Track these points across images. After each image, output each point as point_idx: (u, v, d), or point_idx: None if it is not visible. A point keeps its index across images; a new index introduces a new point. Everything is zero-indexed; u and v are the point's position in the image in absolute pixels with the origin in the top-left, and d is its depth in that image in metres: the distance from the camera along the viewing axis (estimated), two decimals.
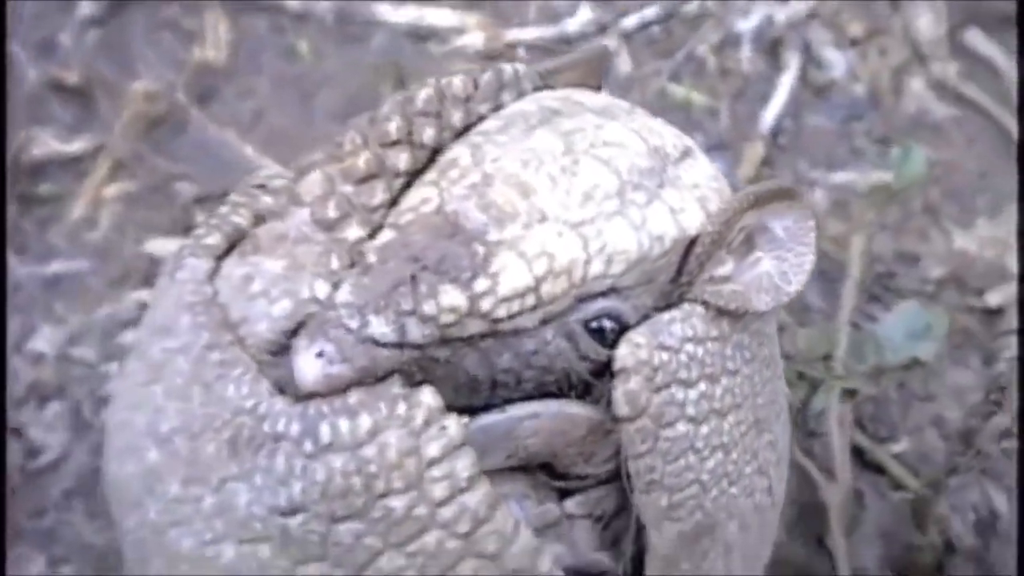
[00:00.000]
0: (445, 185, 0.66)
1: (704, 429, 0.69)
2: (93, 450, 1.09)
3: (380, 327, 0.62)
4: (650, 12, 1.48)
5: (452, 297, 0.63)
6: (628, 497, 0.71)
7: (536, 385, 0.68)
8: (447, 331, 0.63)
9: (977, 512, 1.13)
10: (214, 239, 0.70)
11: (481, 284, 0.63)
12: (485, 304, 0.63)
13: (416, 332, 0.62)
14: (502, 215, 0.64)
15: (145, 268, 1.20)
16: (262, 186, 0.73)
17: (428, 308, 0.62)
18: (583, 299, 0.66)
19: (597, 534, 0.72)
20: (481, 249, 0.63)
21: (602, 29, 1.45)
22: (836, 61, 1.48)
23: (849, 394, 1.09)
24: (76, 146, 1.26)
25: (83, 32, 1.32)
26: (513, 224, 0.64)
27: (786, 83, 1.46)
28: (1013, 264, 1.31)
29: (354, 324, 0.62)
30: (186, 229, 1.22)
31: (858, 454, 1.16)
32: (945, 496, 1.05)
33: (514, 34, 1.43)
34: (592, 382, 0.68)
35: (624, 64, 1.45)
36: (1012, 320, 1.26)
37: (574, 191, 0.66)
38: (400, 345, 0.62)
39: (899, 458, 1.18)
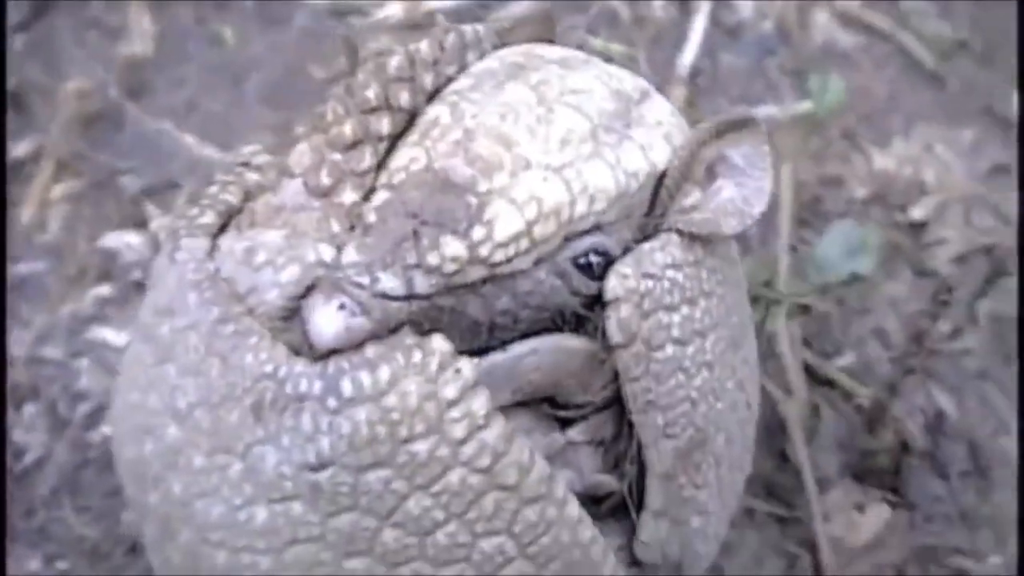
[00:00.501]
0: (430, 144, 0.69)
1: (690, 349, 0.74)
2: (73, 446, 1.10)
3: (390, 281, 0.65)
4: None
5: (453, 247, 0.66)
6: (625, 421, 0.76)
7: (532, 323, 0.72)
8: (451, 280, 0.67)
9: (925, 414, 1.20)
10: (208, 218, 0.73)
11: (478, 232, 0.67)
12: (484, 251, 0.67)
13: (423, 283, 0.66)
14: (488, 166, 0.68)
15: (101, 263, 1.20)
16: (246, 164, 0.75)
17: (432, 259, 0.66)
18: (570, 238, 0.70)
19: (599, 458, 0.77)
20: (474, 200, 0.67)
21: None
22: (743, 2, 1.54)
23: (801, 310, 1.15)
24: (18, 151, 1.26)
25: (11, 37, 1.32)
26: (500, 174, 0.68)
27: (698, 27, 1.51)
28: (930, 178, 1.39)
29: (365, 281, 0.65)
30: (136, 222, 1.24)
31: (809, 370, 1.22)
32: (898, 400, 1.11)
33: (432, 3, 1.46)
34: (585, 315, 0.73)
35: None
36: (937, 231, 1.34)
37: (552, 138, 0.70)
38: (409, 297, 0.66)
39: (846, 371, 1.25)
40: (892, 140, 1.42)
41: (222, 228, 0.73)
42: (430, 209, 0.67)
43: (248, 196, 0.74)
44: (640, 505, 0.77)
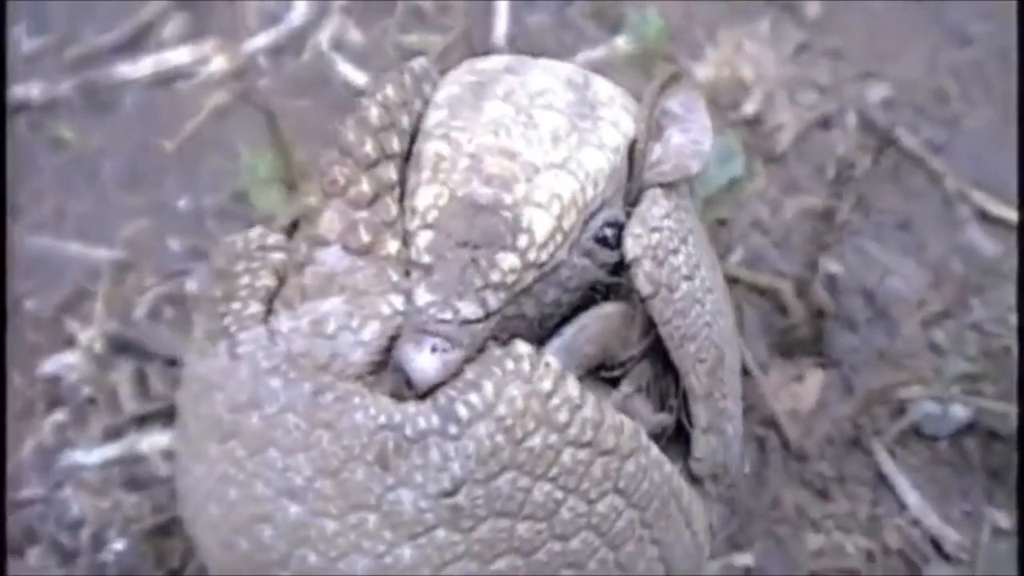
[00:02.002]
0: (444, 178, 0.75)
1: (696, 282, 0.83)
2: (91, 570, 1.10)
3: (468, 308, 0.72)
4: None
5: (509, 260, 0.73)
6: (658, 362, 0.84)
7: (571, 305, 0.80)
8: (512, 289, 0.74)
9: (821, 280, 1.34)
10: (254, 308, 0.76)
11: (523, 240, 0.74)
12: (532, 255, 0.74)
13: (494, 300, 0.73)
14: (505, 181, 0.75)
15: (46, 392, 1.20)
16: (262, 248, 0.79)
17: (495, 276, 0.72)
18: (587, 220, 0.78)
19: (649, 402, 0.85)
20: (507, 214, 0.74)
21: (323, 11, 1.53)
22: None
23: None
24: None
25: None
26: (518, 185, 0.75)
27: None
28: (748, 73, 1.53)
29: (448, 315, 0.71)
30: (64, 341, 1.23)
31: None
32: (816, 278, 1.24)
33: (250, 45, 1.48)
34: (612, 281, 0.81)
35: (355, 36, 1.53)
36: (772, 120, 1.48)
37: (544, 139, 0.77)
38: (487, 316, 0.72)
39: (743, 264, 1.38)
40: (703, 51, 1.56)
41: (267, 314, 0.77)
42: (475, 234, 0.73)
43: (279, 276, 0.78)
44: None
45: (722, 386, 0.88)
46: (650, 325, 0.82)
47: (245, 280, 0.78)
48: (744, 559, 1.16)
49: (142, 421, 1.18)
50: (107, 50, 1.46)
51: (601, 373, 0.82)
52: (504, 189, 0.74)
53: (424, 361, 0.70)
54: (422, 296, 0.72)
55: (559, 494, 0.75)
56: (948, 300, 1.36)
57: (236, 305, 0.77)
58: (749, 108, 1.49)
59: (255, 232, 0.81)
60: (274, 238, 0.80)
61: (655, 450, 0.80)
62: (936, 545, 1.21)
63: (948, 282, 1.39)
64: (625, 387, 0.83)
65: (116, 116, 1.42)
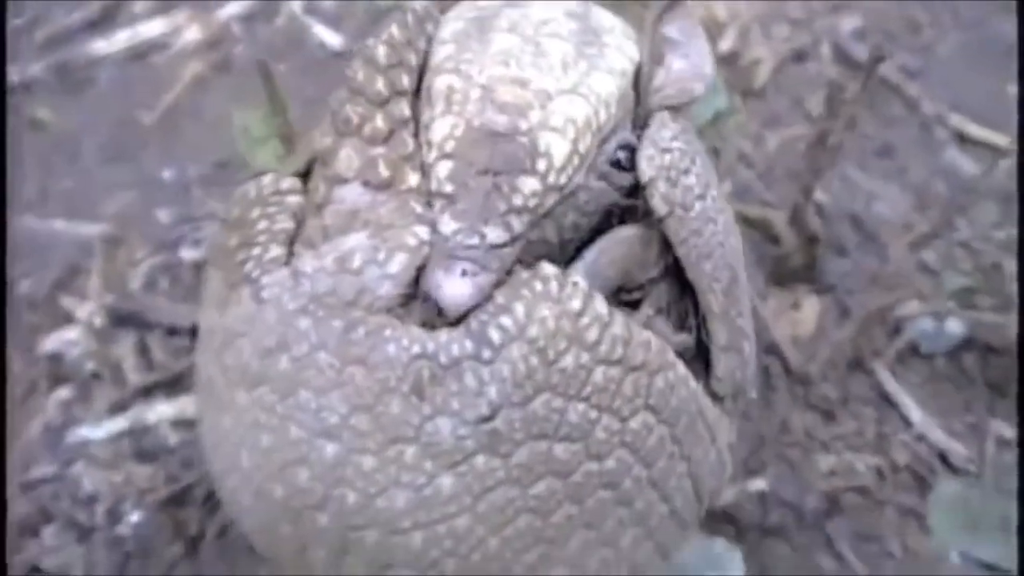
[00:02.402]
0: (458, 109, 0.75)
1: (708, 201, 0.84)
2: (109, 546, 1.09)
3: (494, 233, 0.72)
4: None
5: (530, 184, 0.73)
6: (675, 284, 0.85)
7: (588, 230, 0.80)
8: (535, 213, 0.74)
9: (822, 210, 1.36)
10: (275, 252, 0.76)
11: (542, 164, 0.74)
12: (552, 178, 0.74)
13: (519, 224, 0.73)
14: (520, 108, 0.75)
15: (48, 370, 1.18)
16: (277, 192, 0.79)
17: (518, 200, 0.73)
18: (601, 143, 0.78)
19: (669, 323, 0.86)
20: (525, 139, 0.74)
21: None
22: None
23: None
24: None
25: None
26: (532, 111, 0.75)
27: None
28: (721, 12, 1.54)
29: (475, 241, 0.71)
30: (63, 318, 1.21)
31: None
32: (809, 205, 1.25)
33: (223, 12, 1.47)
34: (628, 204, 0.81)
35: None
36: (748, 55, 1.49)
37: (554, 67, 0.77)
38: (513, 240, 0.73)
39: (732, 196, 1.39)
40: None
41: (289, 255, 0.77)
42: (496, 160, 0.73)
43: (297, 219, 0.77)
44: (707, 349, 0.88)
45: (738, 304, 0.88)
46: (666, 246, 0.82)
47: (263, 225, 0.77)
48: (758, 484, 1.17)
49: (147, 392, 1.18)
50: (79, 28, 1.45)
51: (621, 296, 0.83)
52: (519, 116, 0.74)
53: (455, 286, 0.71)
54: (447, 224, 0.72)
55: (593, 413, 0.75)
56: (934, 221, 1.38)
57: (256, 251, 0.77)
58: (724, 45, 1.50)
59: (268, 178, 0.81)
60: (288, 182, 0.79)
61: (681, 367, 0.80)
62: (943, 459, 1.23)
63: (932, 204, 1.42)
64: (646, 309, 0.84)
65: (93, 93, 1.41)
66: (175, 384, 1.18)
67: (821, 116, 1.11)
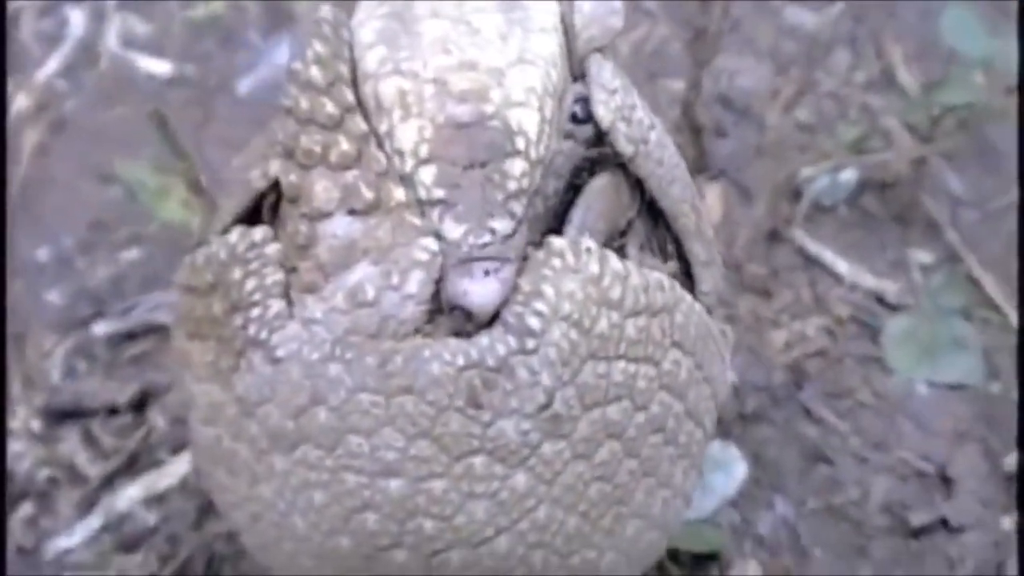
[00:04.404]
0: (417, 111, 0.72)
1: (657, 129, 0.84)
2: None
3: (501, 223, 0.70)
4: None
5: (518, 165, 0.72)
6: (647, 217, 0.86)
7: (566, 191, 0.79)
8: (528, 192, 0.73)
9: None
10: (276, 307, 0.72)
11: (520, 141, 0.72)
12: (533, 152, 0.73)
13: (519, 208, 0.71)
14: (478, 92, 0.73)
15: None
16: (252, 245, 0.75)
17: (513, 186, 0.71)
18: (559, 103, 0.77)
19: (654, 255, 0.87)
20: (496, 123, 0.72)
21: (100, 14, 1.43)
22: None
23: None
24: None
25: None
26: (491, 92, 0.73)
27: None
28: None
29: (487, 238, 0.70)
30: None
31: None
32: (699, 98, 1.27)
33: (44, 72, 1.38)
34: (595, 155, 0.81)
35: (142, 27, 1.45)
36: None
37: (492, 41, 0.75)
38: (519, 225, 0.71)
39: None
40: None
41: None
42: (477, 152, 0.71)
43: (284, 267, 0.74)
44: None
45: (702, 219, 0.90)
46: (635, 184, 0.82)
47: (252, 283, 0.74)
48: (729, 377, 1.20)
49: (110, 481, 1.12)
50: None
51: (612, 245, 0.83)
52: (481, 101, 0.73)
53: (482, 287, 0.69)
54: (453, 229, 0.70)
55: (632, 367, 0.75)
56: (796, 80, 1.43)
57: (255, 311, 0.73)
58: None
59: (234, 235, 0.77)
60: (260, 232, 0.76)
61: (687, 294, 0.81)
62: (880, 300, 1.29)
63: (788, 65, 1.46)
64: (632, 249, 0.84)
65: None
66: (133, 464, 1.12)
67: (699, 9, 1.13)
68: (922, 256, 1.32)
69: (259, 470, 0.76)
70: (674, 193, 0.84)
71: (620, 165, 0.80)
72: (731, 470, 1.14)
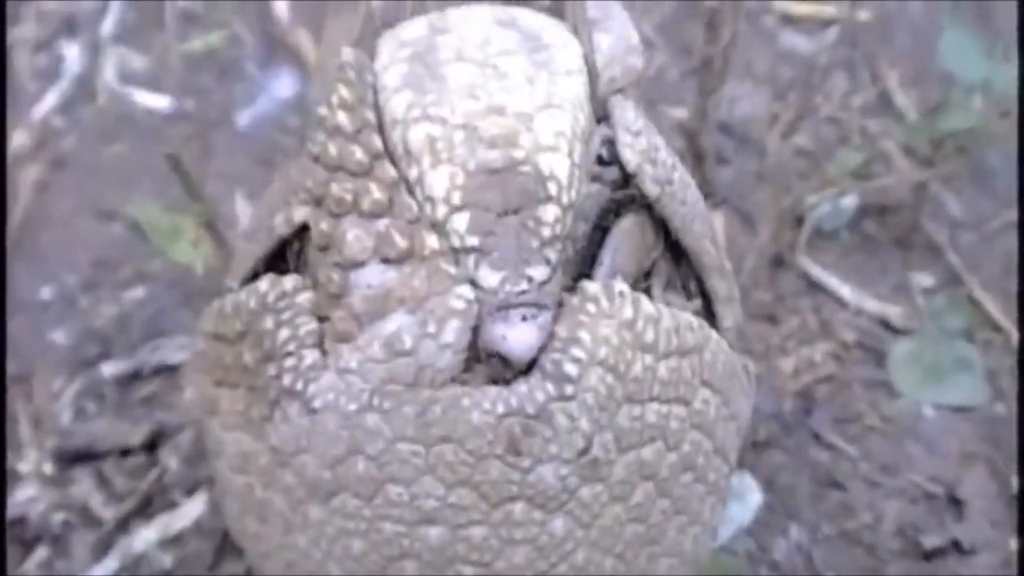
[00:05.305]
0: (447, 157, 0.72)
1: (679, 168, 0.85)
2: None
3: (537, 270, 0.70)
4: None
5: (550, 211, 0.72)
6: (668, 256, 0.86)
7: (594, 234, 0.80)
8: (561, 237, 0.73)
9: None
10: (310, 357, 0.72)
11: (552, 187, 0.72)
12: (565, 197, 0.73)
13: (554, 255, 0.72)
14: (508, 137, 0.73)
15: None
16: (283, 295, 0.75)
17: (547, 232, 0.71)
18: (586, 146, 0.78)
19: (678, 293, 0.87)
20: (527, 168, 0.72)
21: (96, 48, 1.43)
22: None
23: None
24: None
25: None
26: (521, 137, 0.73)
27: None
28: None
29: (524, 285, 0.70)
30: None
31: None
32: (706, 127, 1.28)
33: (40, 108, 1.37)
34: (621, 198, 0.81)
35: (138, 62, 1.44)
36: None
37: (519, 84, 0.76)
38: (554, 271, 0.71)
39: None
40: None
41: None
42: (509, 198, 0.71)
43: (322, 318, 0.74)
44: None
45: (722, 254, 0.90)
46: (659, 224, 0.83)
47: (285, 333, 0.73)
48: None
49: (124, 524, 1.11)
50: None
51: (638, 287, 0.83)
52: (511, 146, 0.73)
53: (520, 335, 0.69)
54: (489, 277, 0.70)
55: (664, 408, 0.76)
56: (794, 105, 1.44)
57: (290, 361, 0.73)
58: None
59: (264, 283, 0.76)
60: (290, 281, 0.75)
61: (714, 332, 0.82)
62: (884, 324, 1.29)
63: (785, 90, 1.47)
64: (657, 290, 0.85)
65: None
66: (148, 506, 1.11)
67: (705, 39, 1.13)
68: (923, 279, 1.33)
69: (294, 519, 0.76)
70: (696, 230, 0.84)
71: (644, 205, 0.81)
72: (746, 499, 1.15)
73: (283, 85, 1.42)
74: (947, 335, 1.27)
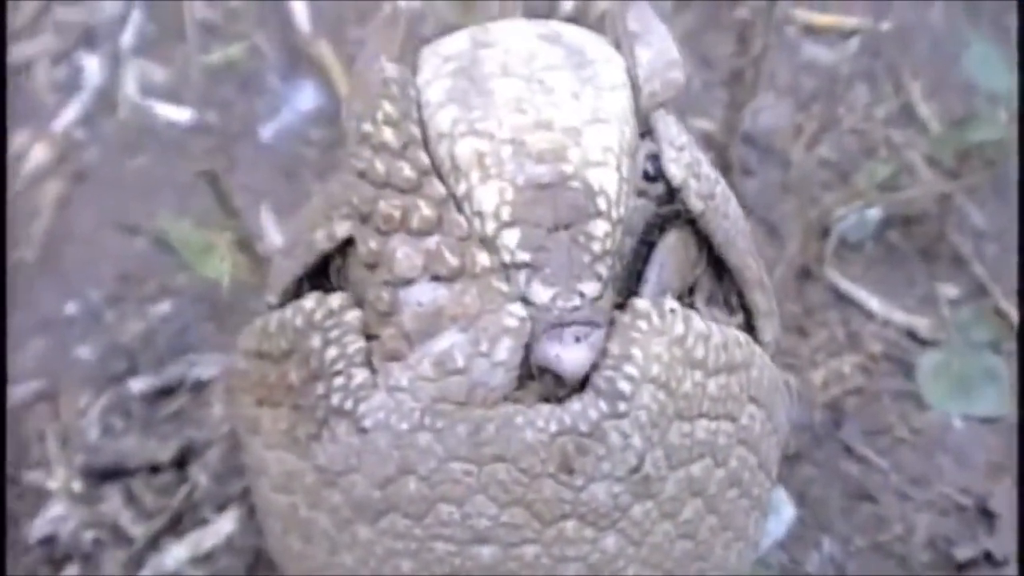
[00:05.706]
0: (495, 173, 0.72)
1: (721, 182, 0.84)
2: None
3: (589, 287, 0.70)
4: None
5: (600, 226, 0.71)
6: (711, 271, 0.85)
7: (640, 249, 0.79)
8: (611, 252, 0.72)
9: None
10: (360, 376, 0.72)
11: (602, 202, 0.72)
12: (614, 212, 0.73)
13: (604, 270, 0.71)
14: (556, 152, 0.72)
15: None
16: (330, 313, 0.74)
17: (598, 247, 0.71)
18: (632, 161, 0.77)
19: (721, 309, 0.87)
20: (576, 183, 0.72)
21: (117, 60, 1.42)
22: None
23: None
24: None
25: None
26: (568, 151, 0.73)
27: None
28: None
29: (577, 301, 0.69)
30: None
31: None
32: (735, 140, 1.27)
33: (61, 121, 1.36)
34: (666, 213, 0.80)
35: (159, 74, 1.44)
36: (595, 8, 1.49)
37: (565, 99, 0.75)
38: (606, 287, 0.71)
39: None
40: None
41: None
42: (560, 214, 0.71)
43: (370, 336, 0.73)
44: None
45: (762, 268, 0.90)
46: (702, 239, 0.82)
47: (334, 352, 0.73)
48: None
49: (155, 542, 1.10)
50: None
51: (683, 301, 0.82)
52: (560, 161, 0.72)
53: (573, 353, 0.69)
54: (541, 293, 0.70)
55: (713, 424, 0.75)
56: (817, 116, 1.43)
57: (339, 380, 0.72)
58: (567, 6, 1.50)
59: (310, 301, 0.76)
60: (337, 299, 0.75)
61: (758, 347, 0.81)
62: (912, 336, 1.29)
63: (808, 101, 1.46)
64: (700, 306, 0.84)
65: None
66: (178, 523, 1.11)
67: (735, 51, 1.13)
68: (949, 290, 1.32)
69: (340, 539, 0.75)
70: (739, 245, 0.84)
71: (688, 220, 0.80)
72: (780, 512, 1.14)
73: (306, 97, 1.41)
74: (974, 346, 1.26)
